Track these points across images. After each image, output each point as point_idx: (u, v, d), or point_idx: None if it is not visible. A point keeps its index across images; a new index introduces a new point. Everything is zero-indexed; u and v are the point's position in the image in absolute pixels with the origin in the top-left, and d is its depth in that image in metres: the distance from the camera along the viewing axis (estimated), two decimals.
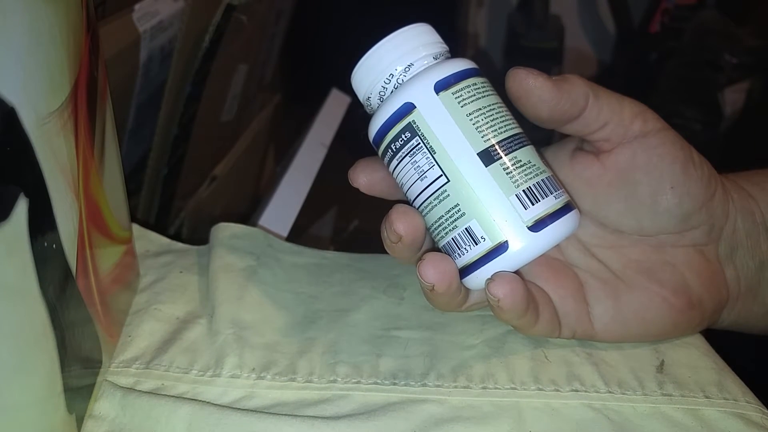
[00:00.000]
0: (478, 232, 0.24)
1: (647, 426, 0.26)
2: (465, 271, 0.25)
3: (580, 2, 1.48)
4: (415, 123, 0.25)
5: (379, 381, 0.28)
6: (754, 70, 1.06)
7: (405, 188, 0.26)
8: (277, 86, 1.03)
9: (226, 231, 0.36)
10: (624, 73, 1.32)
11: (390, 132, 0.25)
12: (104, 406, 0.26)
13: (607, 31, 1.47)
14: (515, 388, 0.27)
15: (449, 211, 0.25)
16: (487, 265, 0.25)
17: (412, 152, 0.25)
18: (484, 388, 0.27)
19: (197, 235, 0.65)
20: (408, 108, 0.25)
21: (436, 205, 0.25)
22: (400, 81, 0.26)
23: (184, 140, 0.61)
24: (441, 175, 0.25)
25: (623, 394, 0.27)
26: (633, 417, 0.26)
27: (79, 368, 0.24)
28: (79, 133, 0.23)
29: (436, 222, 0.25)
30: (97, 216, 0.26)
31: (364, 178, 0.28)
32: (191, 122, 0.61)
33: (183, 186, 0.65)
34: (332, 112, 0.80)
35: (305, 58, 1.19)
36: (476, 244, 0.25)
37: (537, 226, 0.24)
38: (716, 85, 1.07)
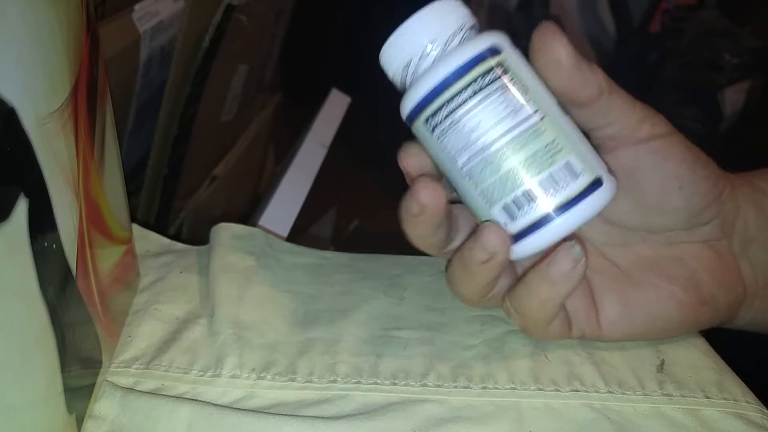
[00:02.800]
0: (577, 167, 0.24)
1: (647, 426, 0.26)
2: (564, 206, 0.24)
3: (580, 2, 1.48)
4: (506, 62, 0.25)
5: (379, 381, 0.28)
6: (754, 70, 1.06)
7: (482, 130, 0.24)
8: (277, 86, 1.03)
9: (226, 231, 0.36)
10: (624, 73, 1.32)
11: (470, 73, 0.24)
12: (104, 406, 0.26)
13: (607, 31, 1.47)
14: (515, 388, 0.27)
15: (547, 145, 0.24)
16: (586, 199, 0.24)
17: (503, 89, 0.24)
18: (484, 388, 0.27)
19: (197, 235, 0.65)
20: (495, 49, 0.25)
21: (532, 139, 0.24)
22: (466, 35, 0.26)
23: (184, 140, 0.61)
24: (537, 110, 0.24)
25: (623, 394, 0.27)
26: (633, 417, 0.26)
27: (79, 368, 0.24)
28: (79, 133, 0.23)
29: (529, 158, 0.24)
30: (97, 216, 0.26)
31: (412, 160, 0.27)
32: (191, 122, 0.61)
33: (183, 186, 0.65)
34: (332, 112, 0.80)
35: (305, 58, 1.19)
36: (576, 179, 0.24)
37: (611, 171, 0.26)
38: (716, 85, 1.07)
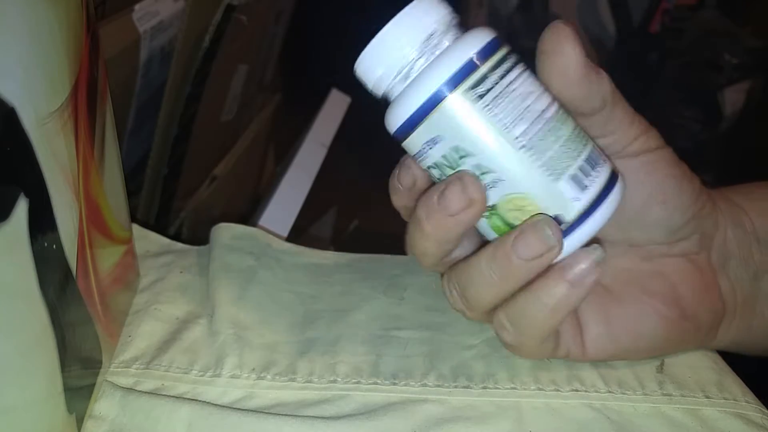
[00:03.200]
0: (601, 153, 0.24)
1: (647, 426, 0.26)
2: (603, 194, 0.23)
3: (580, 2, 1.48)
4: (512, 53, 0.24)
5: (379, 381, 0.28)
6: (754, 70, 1.06)
7: (534, 96, 0.23)
8: (277, 86, 1.03)
9: (226, 231, 0.36)
10: (624, 73, 1.32)
11: (500, 50, 0.23)
12: (104, 406, 0.26)
13: (607, 31, 1.47)
14: (515, 388, 0.27)
15: (576, 127, 0.24)
16: (617, 185, 0.24)
17: (526, 72, 0.24)
18: (484, 388, 0.27)
19: (197, 235, 0.65)
20: (500, 41, 0.24)
21: (565, 119, 0.24)
22: (458, 34, 0.24)
23: (184, 140, 0.61)
24: (553, 99, 0.24)
25: (623, 394, 0.27)
26: (633, 417, 0.26)
27: (79, 368, 0.24)
28: (79, 133, 0.23)
29: (570, 135, 0.23)
30: (97, 216, 0.26)
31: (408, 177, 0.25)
32: (191, 122, 0.61)
33: (183, 186, 0.65)
34: (332, 112, 0.81)
35: (305, 58, 1.19)
36: (607, 162, 0.24)
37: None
38: (716, 85, 1.07)
